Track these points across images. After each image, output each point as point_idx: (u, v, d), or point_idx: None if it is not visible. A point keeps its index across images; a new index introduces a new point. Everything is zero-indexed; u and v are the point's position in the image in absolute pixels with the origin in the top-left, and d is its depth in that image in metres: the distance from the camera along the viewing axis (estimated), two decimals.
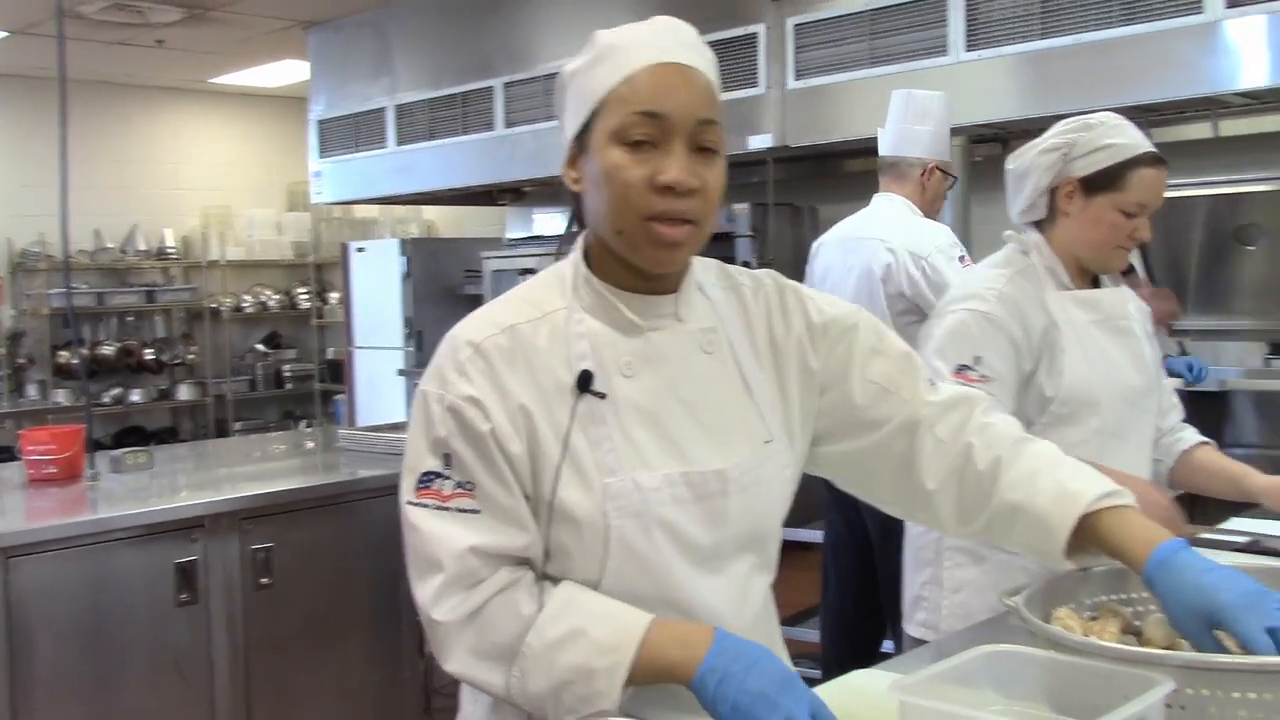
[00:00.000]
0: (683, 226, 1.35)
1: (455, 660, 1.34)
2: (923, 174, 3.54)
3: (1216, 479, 2.40)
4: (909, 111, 3.56)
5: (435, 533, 1.34)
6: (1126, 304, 2.31)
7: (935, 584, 2.34)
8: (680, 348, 1.43)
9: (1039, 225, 2.27)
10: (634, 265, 1.40)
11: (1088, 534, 1.43)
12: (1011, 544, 1.52)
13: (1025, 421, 2.17)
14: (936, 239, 3.45)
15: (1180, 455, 2.43)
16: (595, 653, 1.29)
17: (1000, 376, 2.14)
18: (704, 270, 1.51)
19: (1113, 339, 2.25)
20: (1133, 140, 2.18)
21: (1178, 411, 2.48)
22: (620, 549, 1.35)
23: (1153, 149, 2.19)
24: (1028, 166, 2.25)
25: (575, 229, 1.49)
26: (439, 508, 1.34)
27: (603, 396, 1.37)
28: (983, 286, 2.23)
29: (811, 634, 4.20)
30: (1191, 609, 1.30)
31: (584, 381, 1.36)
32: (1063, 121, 2.25)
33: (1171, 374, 3.81)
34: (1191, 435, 2.46)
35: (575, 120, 1.40)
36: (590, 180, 1.39)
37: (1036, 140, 2.26)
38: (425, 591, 1.34)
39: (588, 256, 1.44)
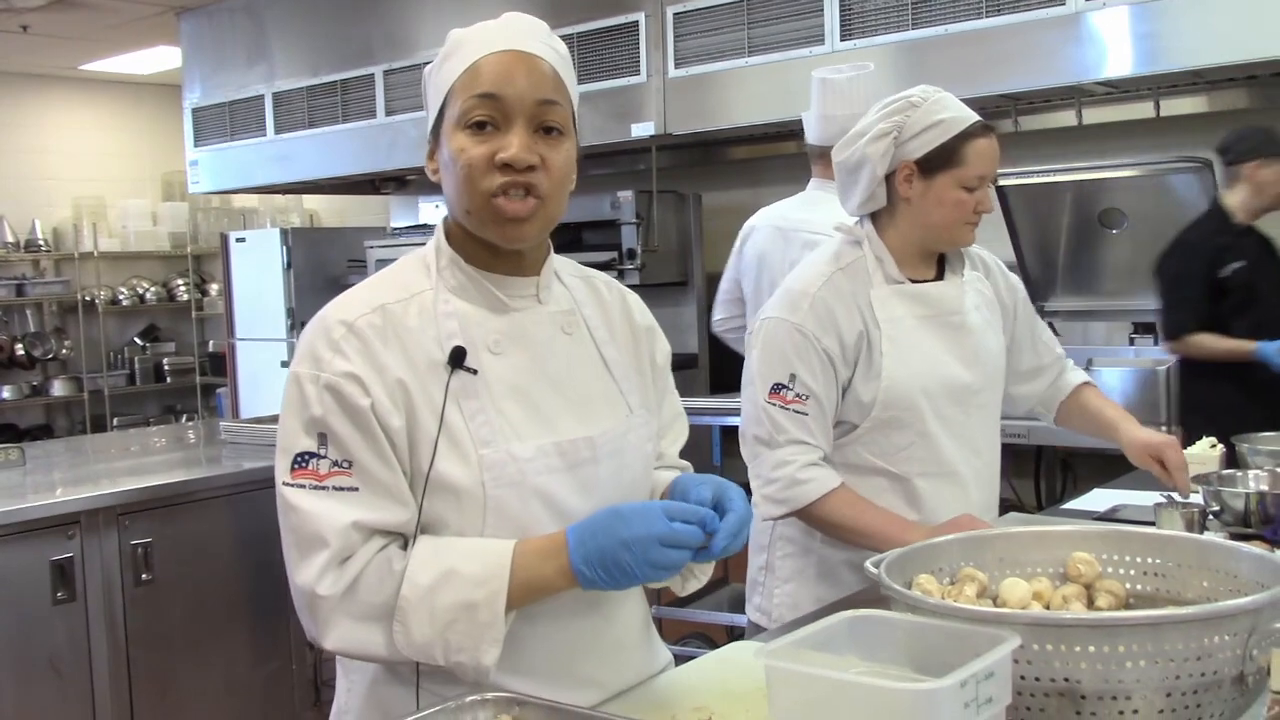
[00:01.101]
0: (526, 201, 1.40)
1: (336, 633, 1.36)
2: None
3: (1091, 422, 2.41)
4: (827, 97, 3.29)
5: (316, 510, 1.35)
6: (962, 297, 2.23)
7: (769, 570, 2.31)
8: (542, 327, 1.49)
9: (875, 215, 2.20)
10: (493, 246, 1.45)
11: None
12: None
13: (849, 427, 2.16)
14: None
15: (1059, 405, 2.42)
16: (471, 586, 1.34)
17: (815, 394, 2.11)
18: (560, 262, 1.58)
19: (940, 335, 2.18)
20: (960, 113, 2.12)
21: (1058, 365, 2.44)
22: (497, 518, 1.39)
23: (979, 119, 2.14)
24: (859, 157, 2.15)
25: None
26: (316, 487, 1.36)
27: (474, 372, 1.41)
28: (799, 290, 2.16)
29: (704, 614, 4.28)
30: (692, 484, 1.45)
31: (457, 357, 1.40)
32: (881, 104, 2.17)
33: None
34: (1070, 380, 2.43)
35: (431, 114, 1.47)
36: (443, 167, 1.44)
37: (862, 127, 2.17)
38: (309, 570, 1.35)
39: (450, 241, 1.49)
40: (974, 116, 2.14)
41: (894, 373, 2.12)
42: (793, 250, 3.31)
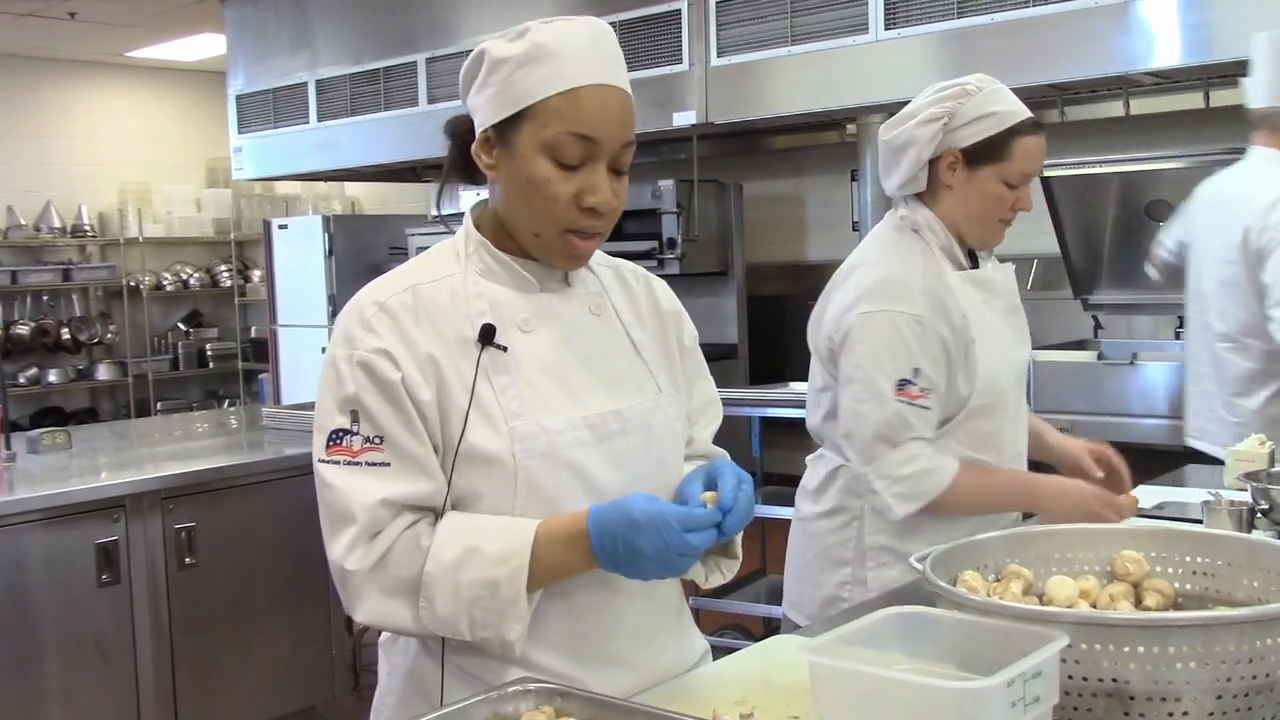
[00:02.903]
0: (594, 240, 1.45)
1: (366, 605, 1.39)
2: None
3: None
4: (1276, 56, 3.07)
5: (347, 487, 1.39)
6: (1013, 280, 2.24)
7: (858, 584, 2.18)
8: (571, 308, 1.52)
9: (920, 199, 2.16)
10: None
11: None
12: None
13: (944, 419, 2.09)
14: None
15: None
16: (493, 564, 1.36)
17: (936, 387, 2.05)
18: None
19: (1006, 320, 2.17)
20: (1013, 107, 2.08)
21: None
22: (528, 490, 1.41)
23: (1031, 115, 2.10)
24: (906, 138, 2.11)
25: None
26: (349, 463, 1.40)
27: (504, 349, 1.43)
28: (900, 280, 2.08)
29: (741, 605, 4.27)
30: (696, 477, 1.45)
31: (487, 334, 1.43)
32: (934, 88, 2.13)
33: None
34: None
35: (497, 109, 1.43)
36: (510, 176, 1.44)
37: (912, 109, 2.13)
38: (339, 545, 1.39)
39: (479, 228, 1.52)
40: (1026, 112, 2.10)
41: (986, 361, 2.09)
42: (1219, 223, 3.16)
